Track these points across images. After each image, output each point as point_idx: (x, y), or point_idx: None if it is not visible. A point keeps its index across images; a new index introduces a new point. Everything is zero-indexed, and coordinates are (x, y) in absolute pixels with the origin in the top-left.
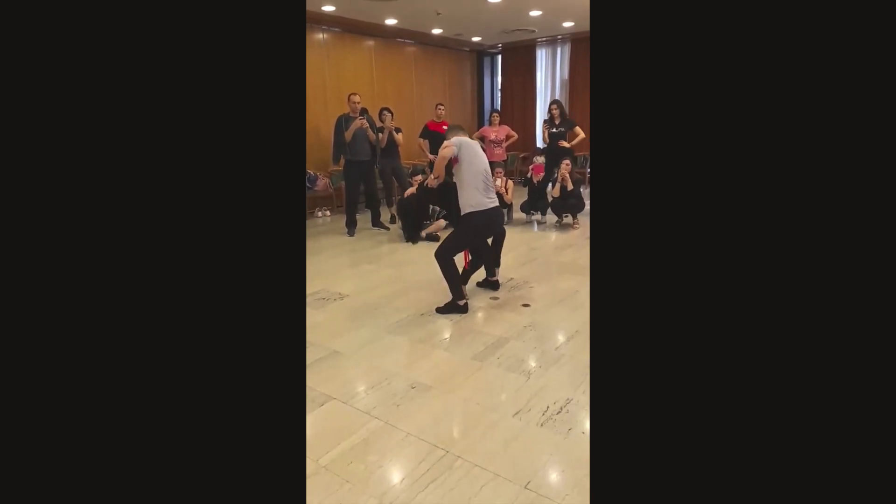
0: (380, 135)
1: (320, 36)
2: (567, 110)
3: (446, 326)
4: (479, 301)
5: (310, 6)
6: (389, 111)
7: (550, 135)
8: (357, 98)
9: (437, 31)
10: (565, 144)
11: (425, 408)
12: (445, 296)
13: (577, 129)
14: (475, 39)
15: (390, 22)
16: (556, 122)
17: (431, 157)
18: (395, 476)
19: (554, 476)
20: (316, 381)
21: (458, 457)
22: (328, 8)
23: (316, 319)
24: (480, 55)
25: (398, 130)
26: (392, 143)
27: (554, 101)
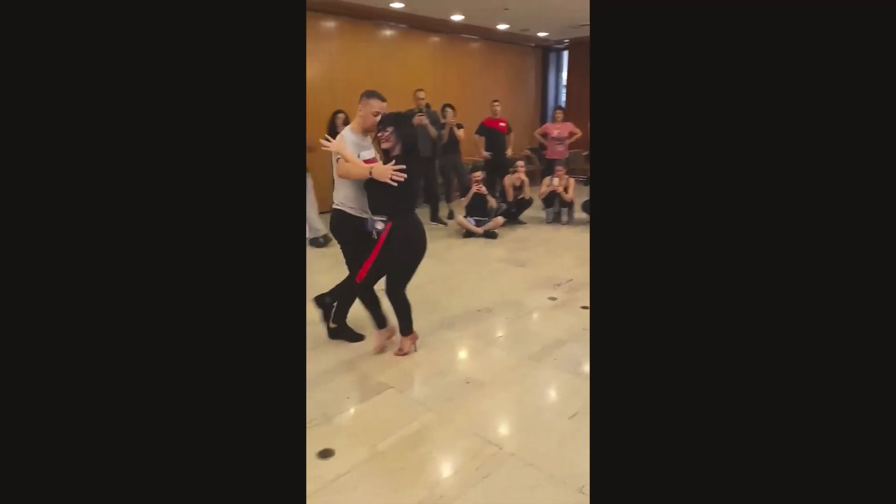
0: (441, 131)
1: (387, 33)
2: None
3: (501, 325)
4: (536, 301)
5: (377, 3)
6: (451, 107)
7: None
8: (422, 94)
9: (502, 27)
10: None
11: (479, 404)
12: (499, 294)
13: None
14: (541, 35)
15: (456, 18)
16: None
17: (486, 154)
18: (447, 468)
19: None
20: (373, 370)
21: (512, 454)
22: (396, 5)
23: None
24: (546, 51)
25: (459, 127)
26: (453, 139)
27: None
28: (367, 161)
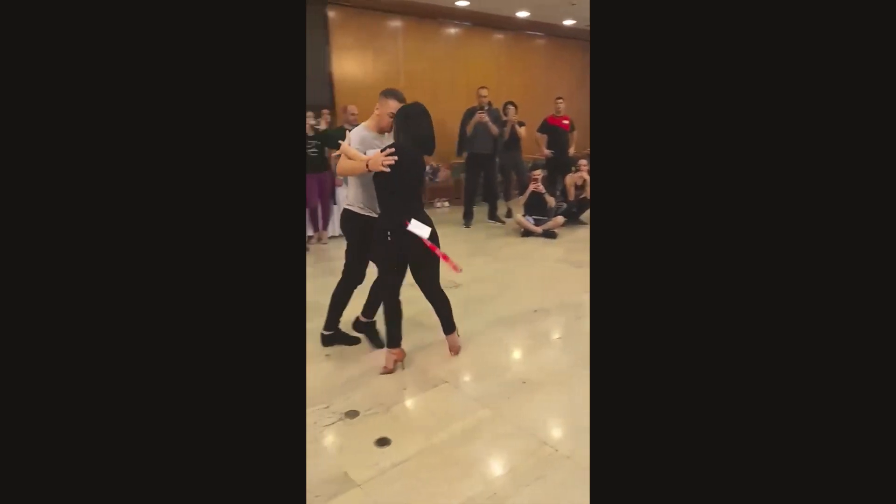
0: (503, 129)
1: (451, 31)
2: None
3: (558, 325)
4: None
5: (442, 1)
6: (513, 105)
7: None
8: (485, 92)
9: (568, 22)
10: None
11: (535, 403)
12: (556, 295)
13: None
14: None
15: (522, 14)
16: None
17: (547, 152)
18: (502, 466)
19: None
20: (428, 364)
21: (567, 457)
22: (462, 3)
23: (429, 305)
24: None
25: (521, 124)
26: (514, 136)
27: None
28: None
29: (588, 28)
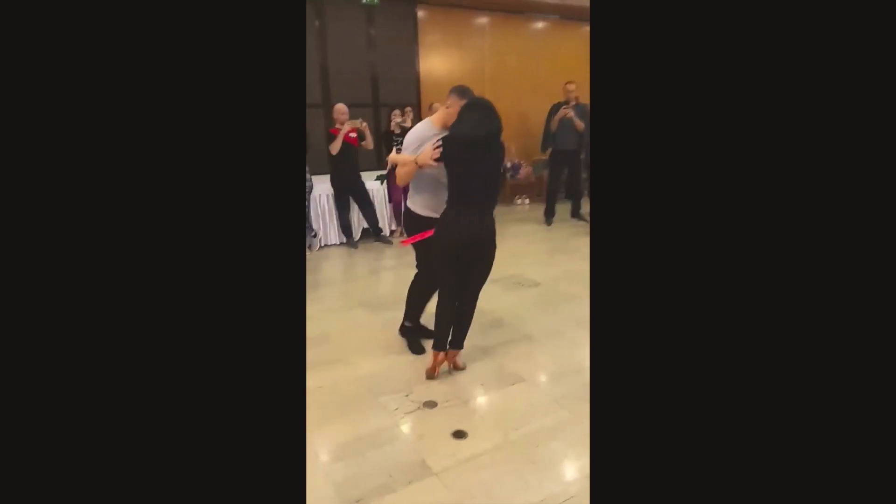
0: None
1: (538, 25)
2: None
3: None
4: None
5: None
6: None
7: None
8: (572, 86)
9: None
10: None
11: None
12: None
13: None
14: None
15: None
16: None
17: None
18: (579, 469)
19: None
20: (506, 361)
21: None
22: None
23: (508, 302)
24: None
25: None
26: None
27: None
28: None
29: None
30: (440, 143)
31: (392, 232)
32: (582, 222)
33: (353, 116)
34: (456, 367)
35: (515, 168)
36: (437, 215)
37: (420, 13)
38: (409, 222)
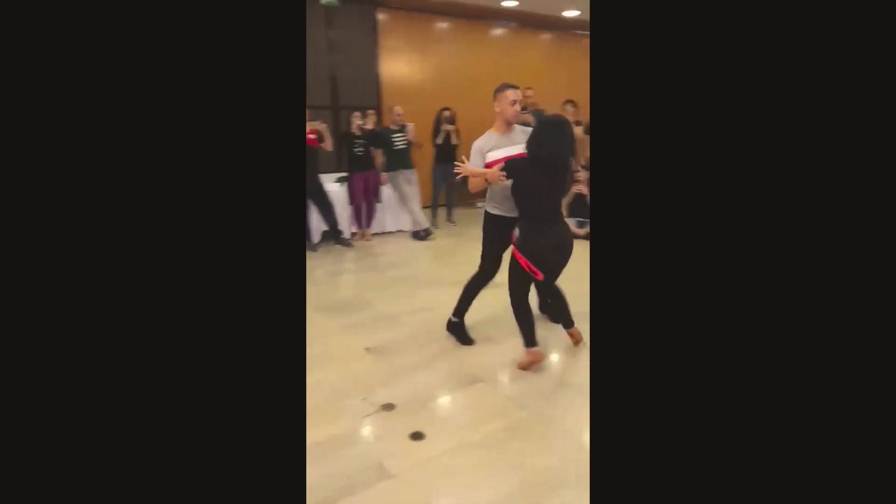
0: None
1: (498, 32)
2: None
3: None
4: None
5: (489, 2)
6: (573, 104)
7: None
8: (530, 92)
9: None
10: None
11: (573, 406)
12: None
13: None
14: None
15: (570, 14)
16: None
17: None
18: (539, 467)
19: None
20: (465, 363)
21: None
22: (509, 3)
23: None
24: None
25: (578, 124)
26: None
27: None
28: (500, 160)
29: None
30: (502, 168)
31: (353, 234)
32: None
33: (312, 118)
34: (579, 340)
35: None
36: (512, 214)
37: (380, 16)
38: (487, 224)
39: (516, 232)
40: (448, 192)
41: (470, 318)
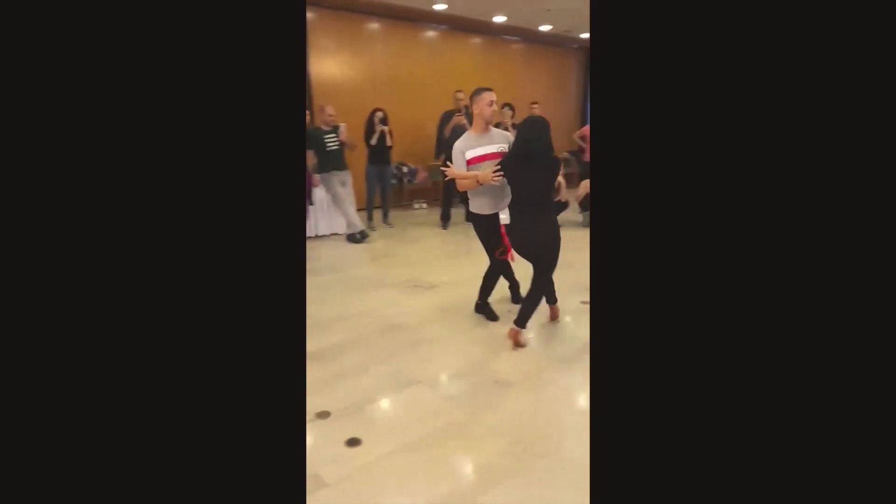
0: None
1: (429, 34)
2: None
3: (534, 326)
4: (568, 304)
5: (420, 4)
6: (510, 107)
7: None
8: (461, 95)
9: (544, 28)
10: None
11: (508, 403)
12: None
13: None
14: (584, 36)
15: (499, 19)
16: None
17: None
18: (474, 466)
19: None
20: (403, 365)
21: (539, 456)
22: (440, 6)
23: (406, 306)
24: (589, 53)
25: (515, 126)
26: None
27: None
28: (478, 157)
29: (564, 34)
30: (498, 169)
31: None
32: None
33: None
34: (518, 344)
35: (412, 173)
36: (491, 211)
37: (310, 15)
38: (476, 225)
39: (505, 219)
40: (383, 194)
41: (408, 320)
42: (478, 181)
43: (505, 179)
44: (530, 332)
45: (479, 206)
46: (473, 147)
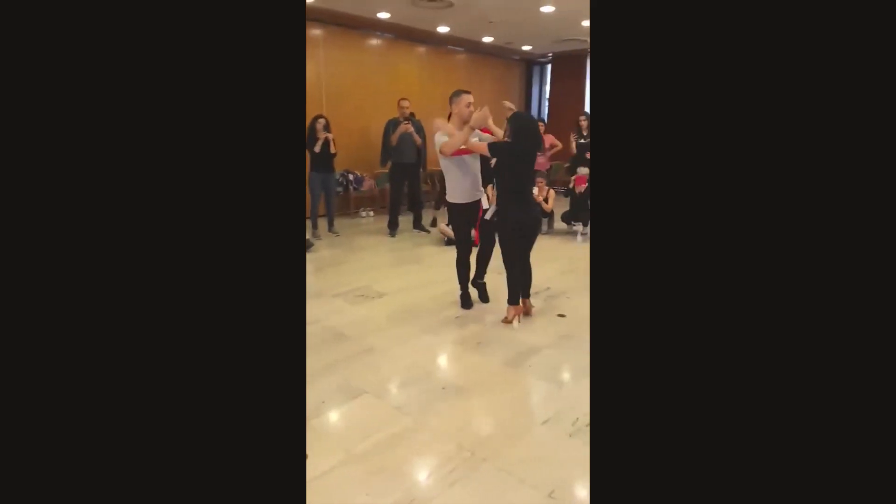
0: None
1: (374, 42)
2: None
3: (481, 330)
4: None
5: (365, 13)
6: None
7: (578, 145)
8: (406, 103)
9: (487, 39)
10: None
11: (455, 409)
12: (478, 301)
13: None
14: (525, 48)
15: (442, 29)
16: (585, 133)
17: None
18: (421, 473)
19: (579, 487)
20: (350, 375)
21: (485, 459)
22: (383, 15)
23: (354, 315)
24: (530, 64)
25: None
26: None
27: (583, 113)
28: (462, 150)
29: (505, 45)
30: (490, 146)
31: None
32: (423, 233)
33: None
34: (528, 314)
35: (358, 181)
36: (471, 200)
37: None
38: (451, 212)
39: (488, 208)
40: (328, 202)
41: (354, 330)
42: (471, 127)
43: (478, 166)
44: (478, 338)
45: (457, 196)
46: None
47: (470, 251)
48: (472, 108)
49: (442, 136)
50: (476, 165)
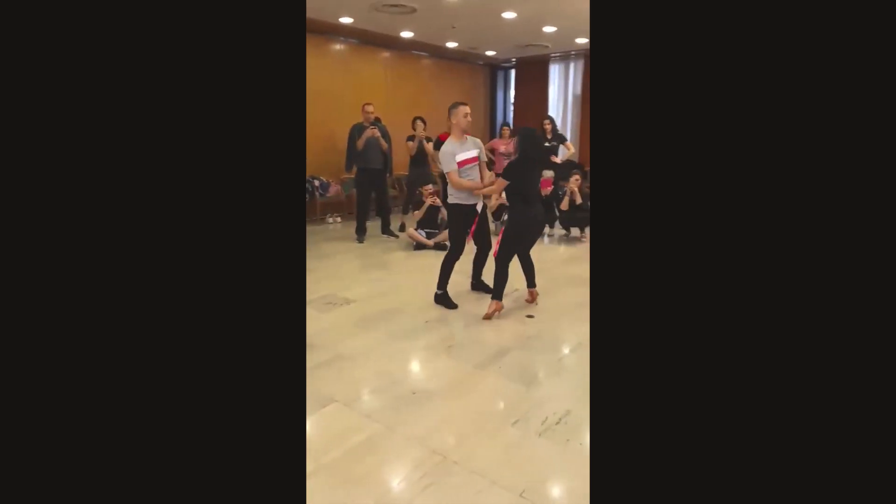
0: (409, 143)
1: (338, 47)
2: (578, 124)
3: (451, 334)
4: (483, 311)
5: (328, 17)
6: (422, 120)
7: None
8: (370, 108)
9: (451, 45)
10: (556, 159)
11: (425, 414)
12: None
13: (567, 144)
14: (489, 53)
15: (406, 34)
16: (548, 136)
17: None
18: (394, 478)
19: (550, 485)
20: (319, 384)
21: (456, 462)
22: (346, 20)
23: (322, 323)
24: (494, 69)
25: (429, 140)
26: (422, 151)
27: (547, 117)
28: (467, 160)
29: (470, 50)
30: (504, 172)
31: None
32: (393, 238)
33: None
34: (534, 301)
35: (324, 186)
36: (471, 202)
37: None
38: (451, 212)
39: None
40: None
41: (323, 338)
42: (495, 199)
43: (477, 173)
44: (447, 342)
45: (460, 197)
46: (459, 152)
47: (460, 254)
48: (468, 118)
49: (448, 157)
50: (476, 172)
